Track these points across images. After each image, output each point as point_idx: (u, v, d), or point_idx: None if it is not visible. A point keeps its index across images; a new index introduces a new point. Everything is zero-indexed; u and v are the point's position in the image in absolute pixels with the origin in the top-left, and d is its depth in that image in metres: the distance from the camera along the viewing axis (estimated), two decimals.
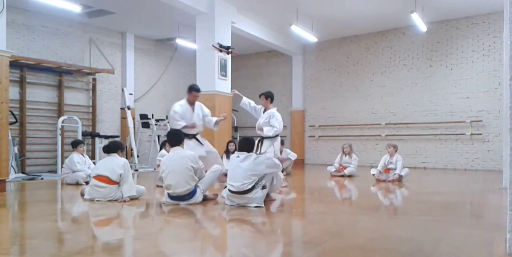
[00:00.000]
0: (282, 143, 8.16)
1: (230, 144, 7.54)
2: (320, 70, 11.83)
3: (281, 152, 7.98)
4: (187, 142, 5.57)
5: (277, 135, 5.86)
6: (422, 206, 4.34)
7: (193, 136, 5.66)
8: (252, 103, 6.11)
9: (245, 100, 6.12)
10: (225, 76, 8.30)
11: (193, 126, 5.58)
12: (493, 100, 9.17)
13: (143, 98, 11.20)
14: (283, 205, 4.45)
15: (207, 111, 5.85)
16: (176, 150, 4.33)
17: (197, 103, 5.76)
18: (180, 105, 5.64)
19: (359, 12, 9.17)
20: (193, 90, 5.69)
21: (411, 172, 7.21)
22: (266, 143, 5.78)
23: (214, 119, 5.83)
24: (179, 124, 5.48)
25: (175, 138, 4.44)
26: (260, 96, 6.04)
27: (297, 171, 9.04)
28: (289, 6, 8.73)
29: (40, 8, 8.38)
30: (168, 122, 9.13)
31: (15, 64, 7.97)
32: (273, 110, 5.89)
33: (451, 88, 9.81)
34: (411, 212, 4.07)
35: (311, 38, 9.89)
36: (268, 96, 5.99)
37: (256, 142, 5.64)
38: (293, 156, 8.21)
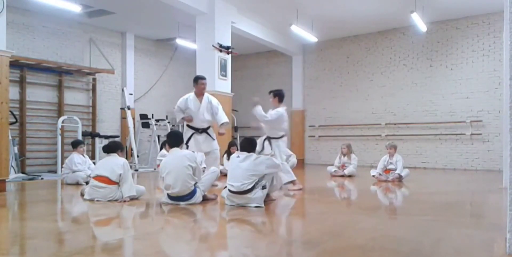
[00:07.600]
0: None
1: (232, 147, 7.62)
2: (320, 70, 11.83)
3: None
4: (195, 137, 5.51)
5: (282, 136, 5.52)
6: (422, 206, 4.33)
7: (203, 131, 5.53)
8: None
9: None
10: (225, 76, 8.30)
11: (189, 119, 5.50)
12: (493, 100, 9.18)
13: (143, 98, 11.20)
14: (283, 205, 4.45)
15: (215, 102, 5.63)
16: (174, 150, 4.33)
17: (206, 95, 5.65)
18: (183, 99, 5.61)
19: (359, 12, 9.17)
20: (198, 78, 5.61)
21: (411, 172, 7.22)
22: (272, 143, 5.42)
23: (221, 122, 5.53)
24: (178, 116, 5.60)
25: (174, 139, 4.48)
26: (269, 93, 5.54)
27: (297, 171, 8.95)
28: (289, 6, 8.73)
29: (40, 8, 8.38)
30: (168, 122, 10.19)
31: (15, 64, 7.97)
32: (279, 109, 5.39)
33: (451, 88, 9.81)
34: (411, 212, 4.07)
35: (311, 38, 9.89)
36: (277, 94, 5.45)
37: (261, 140, 5.43)
38: (293, 156, 8.22)
